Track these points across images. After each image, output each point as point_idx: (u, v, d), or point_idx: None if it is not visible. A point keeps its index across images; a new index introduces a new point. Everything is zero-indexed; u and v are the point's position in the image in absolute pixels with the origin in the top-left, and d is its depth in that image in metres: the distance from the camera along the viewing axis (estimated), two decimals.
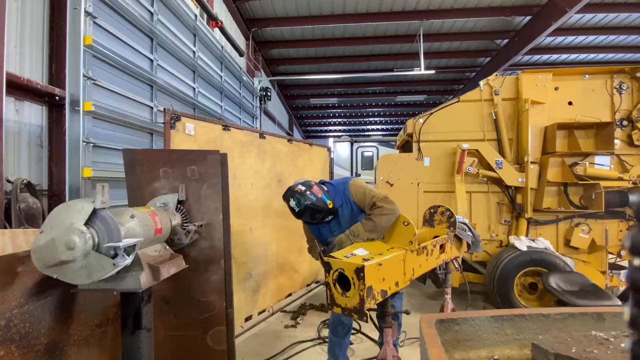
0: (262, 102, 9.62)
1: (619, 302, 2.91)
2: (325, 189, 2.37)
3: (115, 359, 1.75)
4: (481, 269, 4.23)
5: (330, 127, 22.31)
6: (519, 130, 4.22)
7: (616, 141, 3.89)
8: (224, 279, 2.02)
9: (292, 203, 2.25)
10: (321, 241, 2.53)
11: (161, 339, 1.99)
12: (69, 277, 1.23)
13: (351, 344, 3.15)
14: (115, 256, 1.24)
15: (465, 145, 4.11)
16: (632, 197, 3.82)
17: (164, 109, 2.80)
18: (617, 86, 4.03)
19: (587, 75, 4.14)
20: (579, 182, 3.87)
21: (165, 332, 1.98)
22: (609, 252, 4.02)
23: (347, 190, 2.38)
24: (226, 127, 3.36)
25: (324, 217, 2.32)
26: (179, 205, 1.90)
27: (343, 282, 1.54)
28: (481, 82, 4.37)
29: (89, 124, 3.19)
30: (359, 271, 1.46)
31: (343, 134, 21.27)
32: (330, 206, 2.29)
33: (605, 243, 3.90)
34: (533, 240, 3.89)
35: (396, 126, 19.68)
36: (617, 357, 0.91)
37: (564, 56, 11.32)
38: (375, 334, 3.30)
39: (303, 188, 2.24)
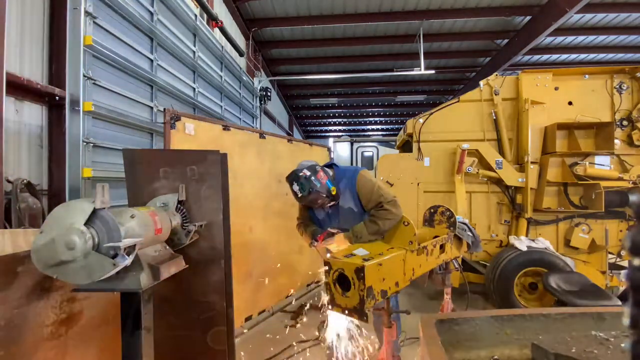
0: (262, 102, 9.62)
1: (619, 302, 2.91)
2: (331, 173, 2.30)
3: (115, 359, 1.75)
4: (481, 269, 4.24)
5: (330, 127, 22.30)
6: (519, 130, 4.22)
7: (616, 141, 3.90)
8: (224, 279, 2.02)
9: (296, 187, 2.18)
10: (314, 221, 2.50)
11: (161, 339, 1.99)
12: (69, 277, 1.23)
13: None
14: (115, 256, 1.24)
15: (465, 145, 4.11)
16: (632, 197, 3.82)
17: (164, 109, 2.80)
18: (617, 86, 4.03)
19: (587, 75, 4.14)
20: (579, 182, 3.88)
21: (165, 332, 1.98)
22: (609, 252, 4.02)
23: (355, 179, 2.32)
24: (226, 127, 3.36)
25: (325, 203, 2.28)
26: (179, 205, 1.90)
27: (343, 282, 1.54)
28: (481, 82, 4.38)
29: (89, 124, 3.18)
30: (359, 271, 1.46)
31: (343, 134, 21.26)
32: (334, 192, 2.24)
33: (605, 243, 3.90)
34: (533, 240, 3.89)
35: (396, 126, 19.67)
36: (617, 357, 0.91)
37: (564, 56, 11.31)
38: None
39: (308, 173, 2.17)
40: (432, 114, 4.48)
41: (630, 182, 3.84)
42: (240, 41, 8.93)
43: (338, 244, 2.28)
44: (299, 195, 2.20)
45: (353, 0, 8.35)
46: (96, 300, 1.72)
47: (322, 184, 2.18)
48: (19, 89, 2.81)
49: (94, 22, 3.21)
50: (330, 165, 2.43)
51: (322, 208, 2.37)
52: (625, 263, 4.19)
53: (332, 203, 2.32)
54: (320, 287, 4.92)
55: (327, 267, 1.57)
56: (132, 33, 3.91)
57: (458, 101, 4.45)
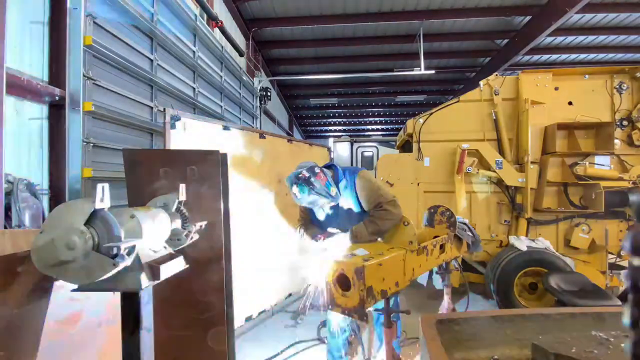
0: (262, 102, 9.61)
1: (619, 302, 2.91)
2: (330, 174, 2.30)
3: (115, 359, 1.75)
4: (481, 269, 4.24)
5: (330, 127, 22.30)
6: (519, 130, 4.22)
7: (616, 141, 3.90)
8: (224, 279, 2.02)
9: (295, 189, 2.18)
10: (315, 223, 2.51)
11: (161, 339, 1.99)
12: (69, 277, 1.23)
13: (350, 344, 3.15)
14: (115, 256, 1.24)
15: (465, 145, 4.11)
16: (632, 197, 3.82)
17: (164, 109, 2.80)
18: (617, 86, 4.03)
19: (587, 75, 4.14)
20: (579, 182, 3.88)
21: (165, 332, 1.97)
22: (609, 252, 4.02)
23: (354, 180, 2.32)
24: (226, 127, 3.36)
25: (325, 204, 2.28)
26: (179, 205, 1.89)
27: (343, 282, 1.54)
28: (481, 82, 4.38)
29: (89, 124, 3.19)
30: (359, 271, 1.46)
31: (343, 134, 21.24)
32: (333, 193, 2.23)
33: (605, 243, 3.90)
34: (533, 240, 3.89)
35: (396, 126, 19.65)
36: (617, 357, 0.91)
37: (564, 56, 11.30)
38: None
39: (307, 174, 2.16)
40: (432, 114, 4.48)
41: (630, 182, 3.84)
42: (240, 41, 8.92)
43: (338, 245, 2.29)
44: (298, 197, 2.19)
45: (353, 0, 8.35)
46: (96, 300, 1.72)
47: (322, 185, 2.17)
48: (19, 89, 2.80)
49: (94, 22, 3.21)
50: (330, 166, 2.42)
51: (322, 209, 2.37)
52: (625, 263, 4.19)
53: (332, 204, 2.32)
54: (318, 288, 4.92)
55: (327, 267, 1.57)
56: (132, 33, 3.91)
57: (458, 101, 4.45)
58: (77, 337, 1.59)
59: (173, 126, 2.77)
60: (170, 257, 1.69)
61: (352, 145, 11.32)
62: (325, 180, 2.21)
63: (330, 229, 2.38)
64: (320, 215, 2.43)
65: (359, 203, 2.32)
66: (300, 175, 2.17)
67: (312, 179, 2.15)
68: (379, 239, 2.18)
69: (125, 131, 3.77)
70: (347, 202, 2.34)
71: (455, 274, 3.28)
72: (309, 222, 2.54)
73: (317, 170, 2.22)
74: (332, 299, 1.56)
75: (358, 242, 2.13)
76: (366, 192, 2.28)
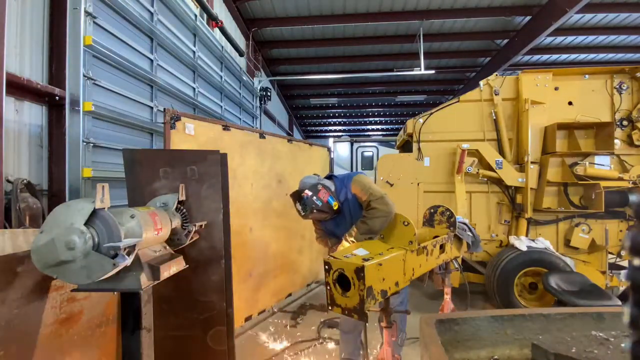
0: (262, 102, 9.61)
1: (619, 302, 2.91)
2: (332, 189, 2.40)
3: (115, 359, 1.75)
4: (481, 269, 4.23)
5: (330, 127, 22.29)
6: (519, 130, 4.22)
7: (616, 141, 3.90)
8: (224, 279, 2.02)
9: (299, 207, 2.32)
10: (327, 232, 2.60)
11: (161, 339, 1.99)
12: (68, 277, 1.23)
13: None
14: (115, 256, 1.24)
15: (465, 145, 4.11)
16: (632, 197, 3.82)
17: (164, 109, 2.80)
18: (617, 86, 4.03)
19: (587, 75, 4.14)
20: (579, 182, 3.88)
21: (165, 332, 1.98)
22: (609, 252, 4.02)
23: (350, 186, 2.41)
24: (226, 127, 3.36)
25: (328, 217, 2.40)
26: (179, 205, 1.89)
27: (343, 282, 1.53)
28: (481, 82, 4.37)
29: (89, 124, 3.18)
30: (359, 271, 1.45)
31: (343, 134, 21.25)
32: (336, 207, 2.34)
33: (605, 243, 3.90)
34: (533, 240, 3.89)
35: (396, 126, 19.66)
36: (617, 357, 0.91)
37: (564, 56, 11.30)
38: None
39: (310, 193, 2.29)
40: (432, 114, 4.48)
41: (630, 182, 3.84)
42: (240, 41, 8.92)
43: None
44: (302, 214, 2.33)
45: (353, 0, 8.35)
46: (96, 300, 1.72)
47: (324, 202, 2.29)
48: (19, 89, 2.80)
49: (94, 22, 3.21)
50: (330, 177, 2.51)
51: (327, 221, 2.49)
52: (625, 263, 4.19)
53: (335, 216, 2.42)
54: (321, 286, 4.92)
55: (327, 267, 1.57)
56: (132, 33, 3.91)
57: (458, 101, 4.45)
58: (77, 337, 1.59)
59: (173, 126, 2.77)
60: (170, 257, 1.69)
61: (352, 145, 11.33)
62: (328, 196, 2.32)
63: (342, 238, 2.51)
64: (330, 225, 2.53)
65: (359, 206, 2.40)
66: (303, 194, 2.30)
67: (315, 197, 2.28)
68: (375, 238, 2.20)
69: (125, 131, 3.77)
70: (350, 207, 2.44)
71: (455, 274, 3.28)
72: (325, 234, 2.64)
73: (319, 187, 2.32)
74: (332, 299, 1.56)
75: (354, 242, 2.19)
76: (360, 194, 2.37)
